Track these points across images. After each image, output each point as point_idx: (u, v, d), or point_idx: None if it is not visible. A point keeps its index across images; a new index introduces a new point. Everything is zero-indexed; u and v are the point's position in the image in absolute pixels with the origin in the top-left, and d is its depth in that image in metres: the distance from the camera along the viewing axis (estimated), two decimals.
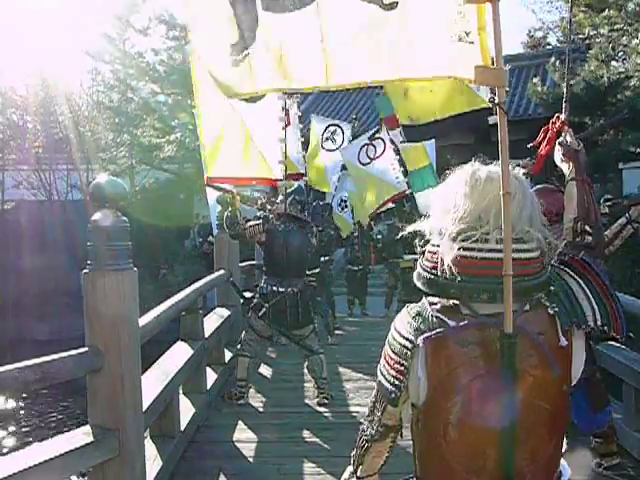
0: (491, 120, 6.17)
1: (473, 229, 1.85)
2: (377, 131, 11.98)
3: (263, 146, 7.37)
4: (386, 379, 2.00)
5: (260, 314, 7.09)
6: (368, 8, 2.29)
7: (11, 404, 11.90)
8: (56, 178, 21.46)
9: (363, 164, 11.74)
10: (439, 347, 1.83)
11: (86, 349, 3.88)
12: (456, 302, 1.88)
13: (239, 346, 7.32)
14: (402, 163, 11.40)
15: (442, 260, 1.88)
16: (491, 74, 2.05)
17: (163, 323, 5.30)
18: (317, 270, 9.71)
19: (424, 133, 6.67)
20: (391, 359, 1.98)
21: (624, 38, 14.63)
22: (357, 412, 6.85)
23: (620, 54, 15.82)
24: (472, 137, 17.97)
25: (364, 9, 2.31)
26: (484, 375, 1.83)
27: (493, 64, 2.06)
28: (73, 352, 3.75)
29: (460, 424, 1.86)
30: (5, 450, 9.83)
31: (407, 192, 11.66)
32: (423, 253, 2.02)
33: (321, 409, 7.01)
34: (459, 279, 1.84)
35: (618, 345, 5.53)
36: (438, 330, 1.85)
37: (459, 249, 1.84)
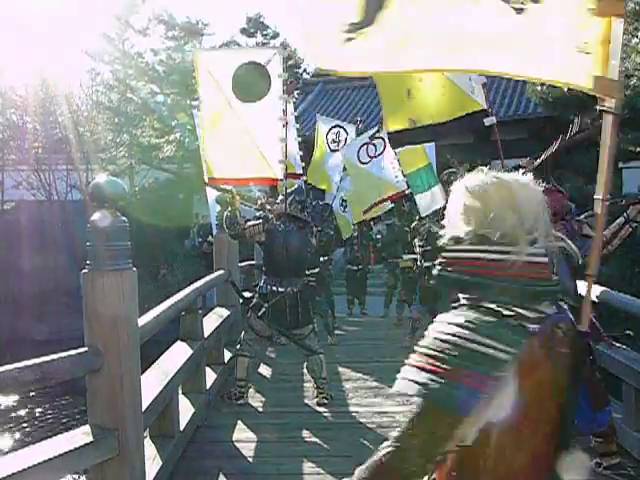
0: (487, 122, 6.23)
1: (530, 234, 1.86)
2: (378, 130, 11.97)
3: (263, 146, 7.40)
4: (472, 394, 1.73)
5: (259, 314, 7.09)
6: (500, 5, 2.39)
7: (10, 404, 11.90)
8: (56, 178, 21.47)
9: (363, 163, 11.75)
10: (529, 353, 1.78)
11: (85, 349, 3.88)
12: (512, 307, 1.85)
13: (238, 346, 7.32)
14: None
15: (503, 265, 1.85)
16: (608, 85, 2.18)
17: (162, 323, 5.30)
18: (316, 270, 9.70)
19: (423, 136, 6.69)
20: (471, 371, 1.75)
21: (624, 37, 14.62)
22: (357, 412, 6.86)
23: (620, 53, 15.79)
24: (472, 136, 18.00)
25: (494, 5, 2.40)
26: (560, 374, 1.84)
27: (608, 75, 2.17)
28: (72, 352, 3.75)
29: (536, 429, 1.83)
30: (5, 450, 9.83)
31: (407, 192, 11.67)
32: (458, 258, 1.94)
33: (320, 409, 7.01)
34: (520, 283, 1.83)
35: (618, 345, 5.53)
36: (538, 329, 1.81)
37: (526, 254, 1.84)
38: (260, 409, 7.15)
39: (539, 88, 16.86)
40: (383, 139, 11.63)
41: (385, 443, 1.92)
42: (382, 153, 11.68)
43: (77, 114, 21.92)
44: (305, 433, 6.27)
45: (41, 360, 3.44)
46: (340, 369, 8.75)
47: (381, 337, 11.28)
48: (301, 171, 10.13)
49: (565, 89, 15.93)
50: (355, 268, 14.21)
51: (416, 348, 1.86)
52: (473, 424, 1.78)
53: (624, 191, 15.74)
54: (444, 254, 1.95)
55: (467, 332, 1.79)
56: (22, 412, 11.82)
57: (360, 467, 1.99)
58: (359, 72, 2.95)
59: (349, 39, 2.55)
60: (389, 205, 13.14)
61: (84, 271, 3.96)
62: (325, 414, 6.88)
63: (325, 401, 7.11)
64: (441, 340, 1.81)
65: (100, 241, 3.90)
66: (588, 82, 2.19)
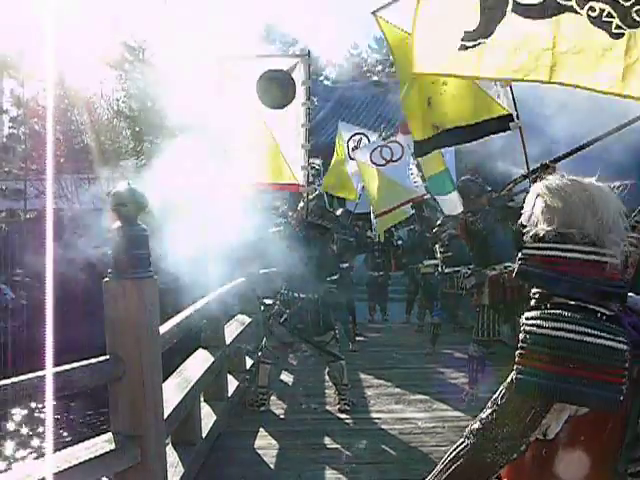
0: (512, 127, 6.17)
1: (616, 236, 1.94)
2: (392, 134, 11.96)
3: (286, 152, 7.46)
4: (603, 388, 1.79)
5: (281, 321, 7.09)
6: (597, 32, 2.87)
7: (32, 411, 11.96)
8: (77, 187, 21.61)
9: (377, 164, 11.71)
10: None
11: (107, 357, 3.90)
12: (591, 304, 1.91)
13: (260, 353, 7.32)
14: (420, 167, 11.41)
15: (598, 265, 1.92)
16: None
17: (184, 331, 5.31)
18: (336, 277, 9.67)
19: (446, 140, 6.68)
20: (597, 364, 1.80)
21: None
22: (378, 418, 6.84)
23: None
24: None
25: (594, 32, 2.88)
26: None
27: None
28: (94, 360, 3.76)
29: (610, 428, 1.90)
30: (27, 458, 9.89)
31: (426, 197, 11.65)
32: (542, 255, 1.99)
33: (342, 415, 6.99)
34: (610, 283, 1.90)
35: None
36: None
37: (607, 255, 1.91)
38: (282, 416, 7.15)
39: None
40: (400, 143, 11.60)
41: (460, 440, 2.00)
42: (400, 158, 11.64)
43: (98, 123, 22.09)
44: (327, 440, 6.26)
45: (63, 368, 3.46)
46: (362, 375, 8.73)
47: (402, 343, 11.25)
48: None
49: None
50: (376, 274, 14.18)
51: (530, 348, 1.88)
52: (558, 414, 1.87)
53: None
54: (526, 251, 2.01)
55: (576, 326, 1.83)
56: (44, 419, 11.87)
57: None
58: (461, 76, 3.59)
59: (463, 47, 3.11)
60: (410, 211, 13.11)
61: (105, 279, 3.98)
62: (347, 421, 6.86)
63: (347, 407, 7.10)
64: (546, 335, 1.86)
65: (121, 249, 3.92)
66: None
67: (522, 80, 3.31)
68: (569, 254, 1.93)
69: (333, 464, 5.61)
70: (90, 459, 3.53)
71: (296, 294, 7.13)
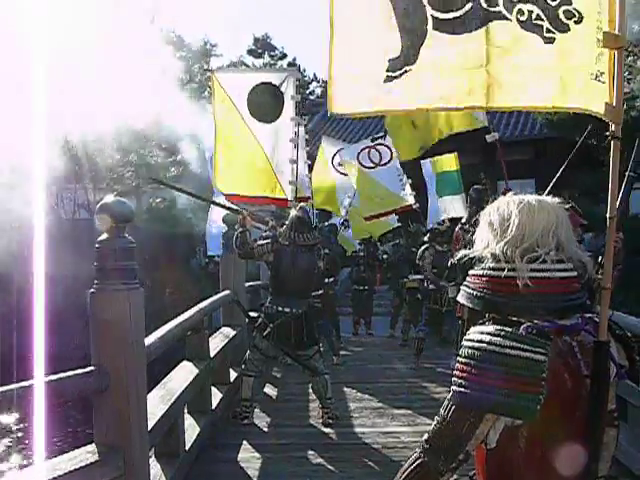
0: (488, 138, 6.26)
1: (534, 251, 1.98)
2: (381, 137, 11.89)
3: (275, 166, 7.49)
4: (520, 397, 1.87)
5: (264, 334, 7.08)
6: (531, 37, 2.62)
7: (16, 422, 11.87)
8: (63, 198, 21.52)
9: (366, 167, 11.66)
10: (554, 358, 1.91)
11: (92, 368, 3.89)
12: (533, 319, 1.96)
13: (244, 366, 7.32)
14: (409, 175, 11.43)
15: (511, 282, 1.97)
16: (616, 112, 2.35)
17: (169, 343, 5.31)
18: (320, 292, 9.64)
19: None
20: (515, 375, 1.88)
21: (629, 59, 14.69)
22: (362, 432, 6.84)
23: (625, 74, 15.86)
24: (479, 157, 18.01)
25: (527, 38, 2.63)
26: (580, 382, 1.95)
27: (613, 102, 2.37)
28: (79, 371, 3.75)
29: (562, 431, 1.96)
30: (10, 469, 9.82)
31: (415, 206, 11.66)
32: (476, 276, 2.07)
33: (326, 429, 6.99)
34: (531, 298, 1.96)
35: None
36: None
37: (530, 270, 1.96)
38: (265, 429, 7.14)
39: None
40: (389, 148, 11.54)
41: (415, 450, 2.08)
42: (388, 162, 11.57)
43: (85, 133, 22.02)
44: (310, 453, 6.26)
45: (47, 379, 3.45)
46: (345, 389, 8.74)
47: (387, 358, 11.27)
48: (310, 194, 10.17)
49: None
50: (361, 288, 14.20)
51: (462, 360, 1.97)
52: (493, 424, 1.95)
53: (632, 212, 15.78)
54: (472, 272, 2.10)
55: (499, 339, 1.91)
56: (27, 430, 11.79)
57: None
58: (392, 111, 3.19)
59: (389, 78, 2.74)
60: (395, 223, 13.13)
61: (91, 290, 3.98)
62: (330, 434, 6.87)
63: (330, 421, 7.10)
64: (475, 349, 1.94)
65: (107, 260, 3.92)
66: (600, 109, 2.37)
67: (457, 109, 3.03)
68: (487, 272, 2.03)
69: (316, 478, 5.62)
70: (73, 470, 3.51)
71: (280, 308, 7.12)
